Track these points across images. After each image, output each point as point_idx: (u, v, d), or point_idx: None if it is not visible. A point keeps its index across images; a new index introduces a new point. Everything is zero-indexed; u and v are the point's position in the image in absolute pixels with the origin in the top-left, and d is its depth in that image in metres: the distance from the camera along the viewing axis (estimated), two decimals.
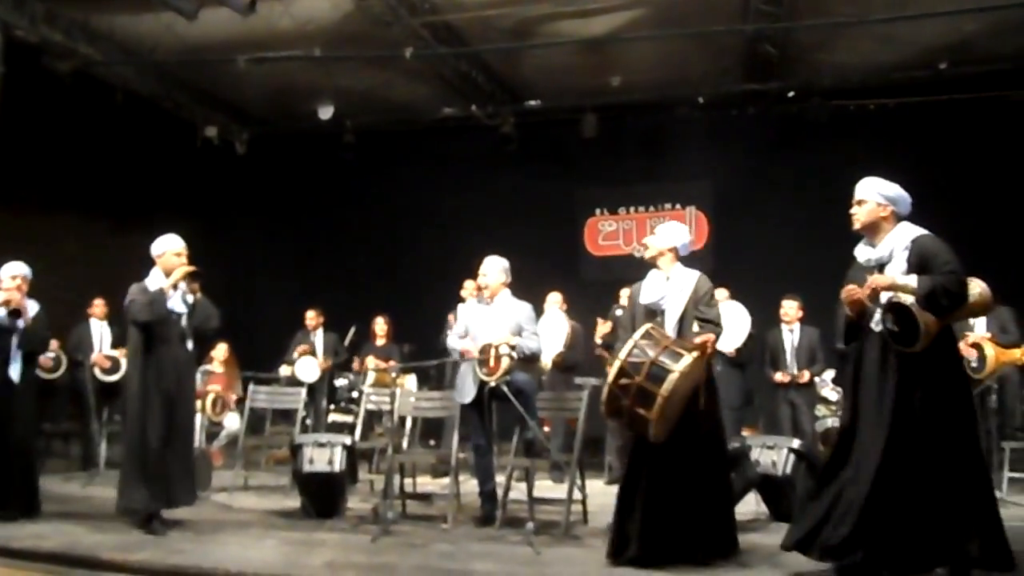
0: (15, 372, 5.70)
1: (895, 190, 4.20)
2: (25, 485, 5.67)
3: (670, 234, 4.84)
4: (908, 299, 3.90)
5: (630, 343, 4.32)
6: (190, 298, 5.47)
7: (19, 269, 5.83)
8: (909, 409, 3.93)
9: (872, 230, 4.20)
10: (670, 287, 4.73)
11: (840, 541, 3.93)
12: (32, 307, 5.82)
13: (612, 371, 4.27)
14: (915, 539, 3.85)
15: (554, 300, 8.21)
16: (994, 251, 8.50)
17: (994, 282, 7.08)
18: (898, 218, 4.18)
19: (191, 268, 5.43)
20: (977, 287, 4.15)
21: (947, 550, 3.85)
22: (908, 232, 4.12)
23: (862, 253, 4.25)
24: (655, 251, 4.83)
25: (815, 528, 4.07)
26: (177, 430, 5.36)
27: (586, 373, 8.08)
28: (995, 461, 6.73)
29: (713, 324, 4.62)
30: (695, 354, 4.28)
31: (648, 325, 4.46)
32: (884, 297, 4.01)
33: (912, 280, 3.97)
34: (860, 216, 4.21)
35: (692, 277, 4.75)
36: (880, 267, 4.14)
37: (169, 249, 5.47)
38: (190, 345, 5.50)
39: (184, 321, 5.46)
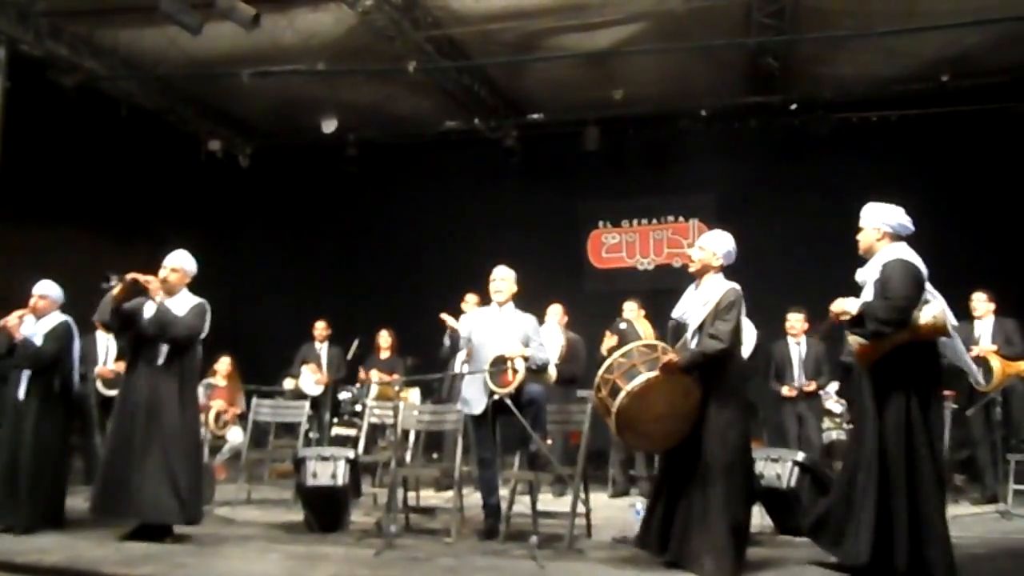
0: (21, 390, 5.79)
1: (890, 215, 4.51)
2: (45, 501, 5.72)
3: (710, 247, 4.82)
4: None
5: (631, 346, 4.71)
6: (151, 310, 5.46)
7: (41, 289, 5.98)
8: (882, 424, 4.32)
9: (869, 253, 4.56)
10: (696, 299, 4.72)
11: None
12: (52, 320, 5.91)
13: (605, 363, 4.69)
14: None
15: (554, 313, 8.20)
16: (997, 263, 8.52)
17: (997, 294, 7.14)
18: (895, 239, 4.49)
19: (131, 277, 5.43)
20: (932, 313, 4.33)
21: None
22: (886, 256, 4.44)
23: (858, 274, 4.58)
24: (698, 265, 4.80)
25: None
26: (149, 445, 5.26)
27: (589, 386, 8.05)
28: (1000, 473, 6.71)
29: (714, 339, 4.56)
30: (656, 371, 4.48)
31: (647, 341, 4.79)
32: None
33: (855, 304, 4.40)
34: (860, 242, 4.60)
35: (720, 289, 4.69)
36: (863, 287, 4.53)
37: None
38: (160, 359, 5.42)
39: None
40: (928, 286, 4.41)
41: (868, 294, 4.45)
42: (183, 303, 5.52)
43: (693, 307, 4.73)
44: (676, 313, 4.81)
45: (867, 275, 4.51)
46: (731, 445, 4.51)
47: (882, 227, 4.51)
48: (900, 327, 4.29)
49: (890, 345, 4.33)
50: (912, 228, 4.54)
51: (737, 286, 4.73)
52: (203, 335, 5.59)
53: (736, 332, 4.61)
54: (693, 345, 4.65)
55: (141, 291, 5.48)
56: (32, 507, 5.64)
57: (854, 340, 4.46)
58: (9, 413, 5.81)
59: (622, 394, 4.47)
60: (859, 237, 4.60)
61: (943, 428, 4.70)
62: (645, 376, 4.48)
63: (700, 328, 4.66)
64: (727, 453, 4.49)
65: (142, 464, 5.23)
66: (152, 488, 5.20)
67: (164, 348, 5.43)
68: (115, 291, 5.39)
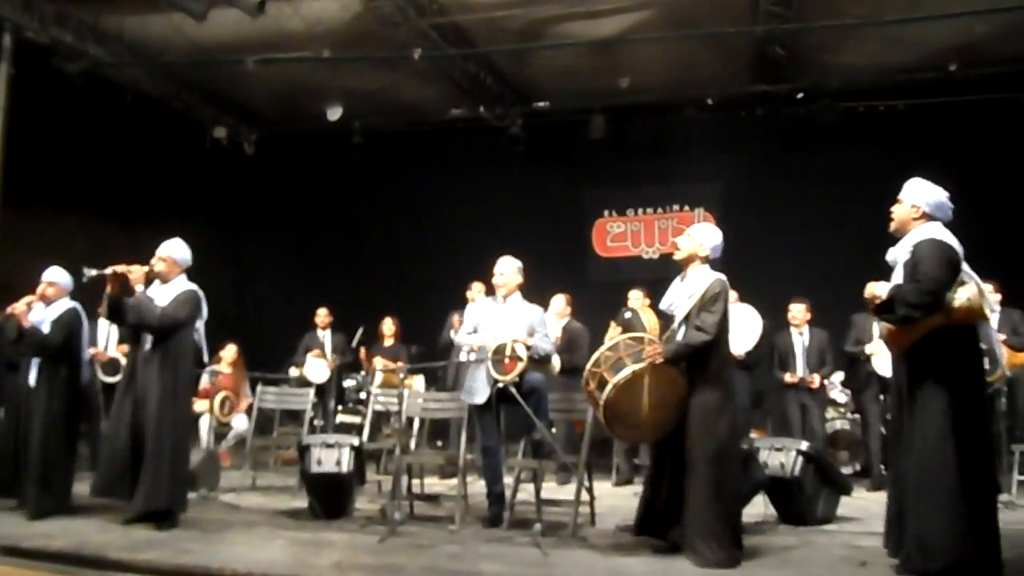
0: (32, 376, 5.83)
1: (930, 194, 4.32)
2: (53, 487, 5.73)
3: (698, 238, 4.79)
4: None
5: (616, 339, 4.78)
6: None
7: (50, 276, 6.00)
8: (916, 411, 4.10)
9: (901, 231, 4.34)
10: (682, 290, 4.71)
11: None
12: (60, 307, 5.92)
13: (592, 357, 4.77)
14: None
15: (555, 305, 8.16)
16: (1004, 253, 8.47)
17: (1003, 284, 7.11)
18: (930, 219, 4.29)
19: (112, 269, 5.48)
20: (966, 295, 4.10)
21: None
22: (918, 236, 4.23)
23: (889, 253, 4.37)
24: (684, 254, 4.77)
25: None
26: (139, 431, 5.36)
27: None
28: (1004, 464, 6.70)
29: (700, 331, 4.56)
30: (643, 363, 4.50)
31: (633, 334, 4.79)
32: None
33: (885, 288, 4.16)
34: (894, 216, 4.37)
35: (706, 280, 4.67)
36: (894, 268, 4.29)
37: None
38: (148, 345, 5.50)
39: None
40: (965, 267, 4.20)
41: (899, 276, 4.24)
42: (172, 291, 5.57)
43: (679, 298, 4.72)
44: (663, 304, 4.80)
45: (898, 255, 4.29)
46: (718, 434, 4.52)
47: (922, 205, 4.28)
48: (931, 311, 4.04)
49: (926, 329, 4.09)
50: (951, 215, 4.33)
51: (723, 277, 4.71)
52: (196, 322, 5.61)
53: (722, 323, 4.59)
54: (680, 336, 4.65)
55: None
56: (41, 493, 5.66)
57: (883, 325, 4.25)
58: (20, 399, 5.86)
59: (608, 387, 4.50)
60: (894, 210, 4.36)
61: (988, 417, 4.44)
62: (631, 368, 4.51)
63: (686, 319, 4.66)
64: (714, 441, 4.50)
65: (133, 450, 5.36)
66: (142, 475, 5.30)
67: (149, 336, 5.51)
68: (108, 287, 5.48)
